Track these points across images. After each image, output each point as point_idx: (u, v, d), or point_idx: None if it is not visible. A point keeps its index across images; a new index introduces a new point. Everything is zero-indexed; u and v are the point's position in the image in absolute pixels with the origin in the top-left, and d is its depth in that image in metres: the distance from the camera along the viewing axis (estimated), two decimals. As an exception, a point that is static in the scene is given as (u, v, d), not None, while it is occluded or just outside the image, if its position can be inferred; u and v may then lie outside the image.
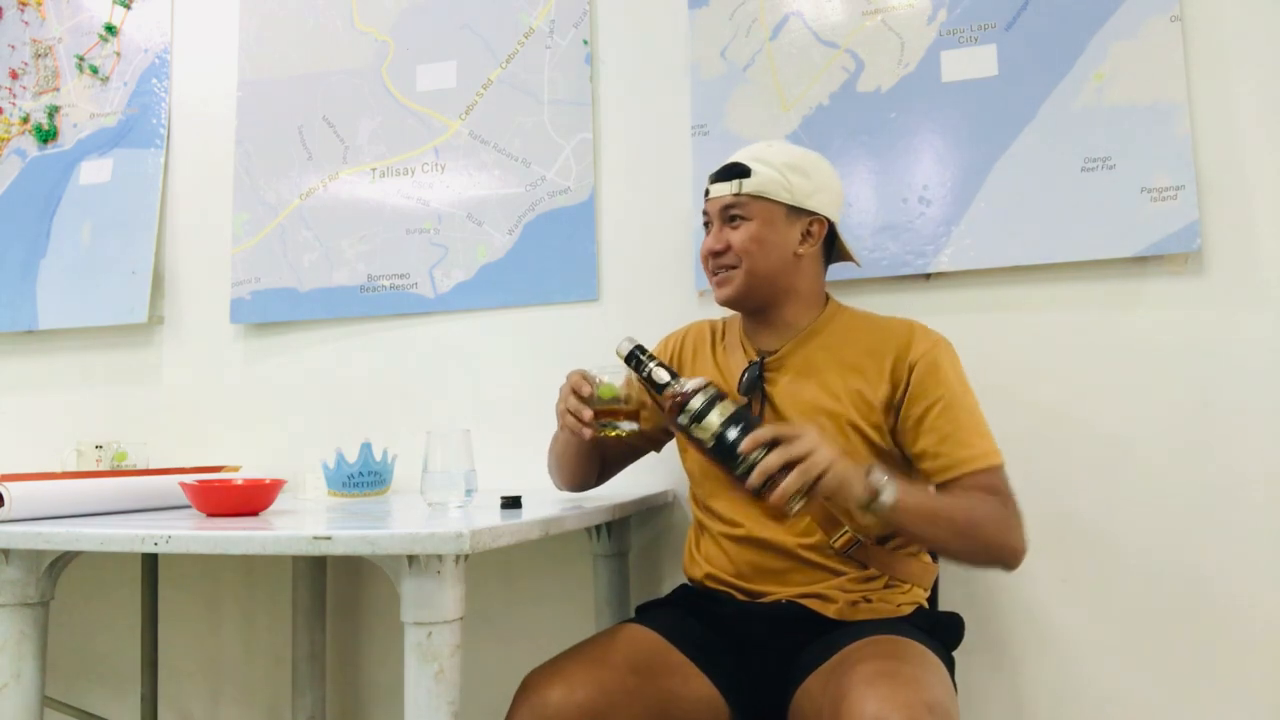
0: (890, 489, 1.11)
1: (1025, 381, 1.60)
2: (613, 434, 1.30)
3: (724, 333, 1.47)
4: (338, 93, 2.05)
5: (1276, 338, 1.52)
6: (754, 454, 1.09)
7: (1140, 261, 1.58)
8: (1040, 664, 1.60)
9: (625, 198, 1.88)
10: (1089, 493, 1.58)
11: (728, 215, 1.35)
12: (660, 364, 1.22)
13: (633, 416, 1.31)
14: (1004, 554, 1.23)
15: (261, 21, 2.13)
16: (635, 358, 1.24)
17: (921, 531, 1.20)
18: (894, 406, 1.29)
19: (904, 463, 1.31)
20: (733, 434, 1.12)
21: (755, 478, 1.09)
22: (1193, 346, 1.56)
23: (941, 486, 1.27)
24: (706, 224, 1.39)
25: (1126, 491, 1.57)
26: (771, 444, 1.09)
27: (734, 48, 1.81)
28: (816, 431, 1.11)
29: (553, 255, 1.89)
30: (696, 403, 1.14)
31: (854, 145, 1.71)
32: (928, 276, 1.69)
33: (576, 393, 1.29)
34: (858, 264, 1.46)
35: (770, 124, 1.77)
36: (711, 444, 1.14)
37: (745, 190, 1.33)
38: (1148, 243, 1.56)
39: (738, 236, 1.33)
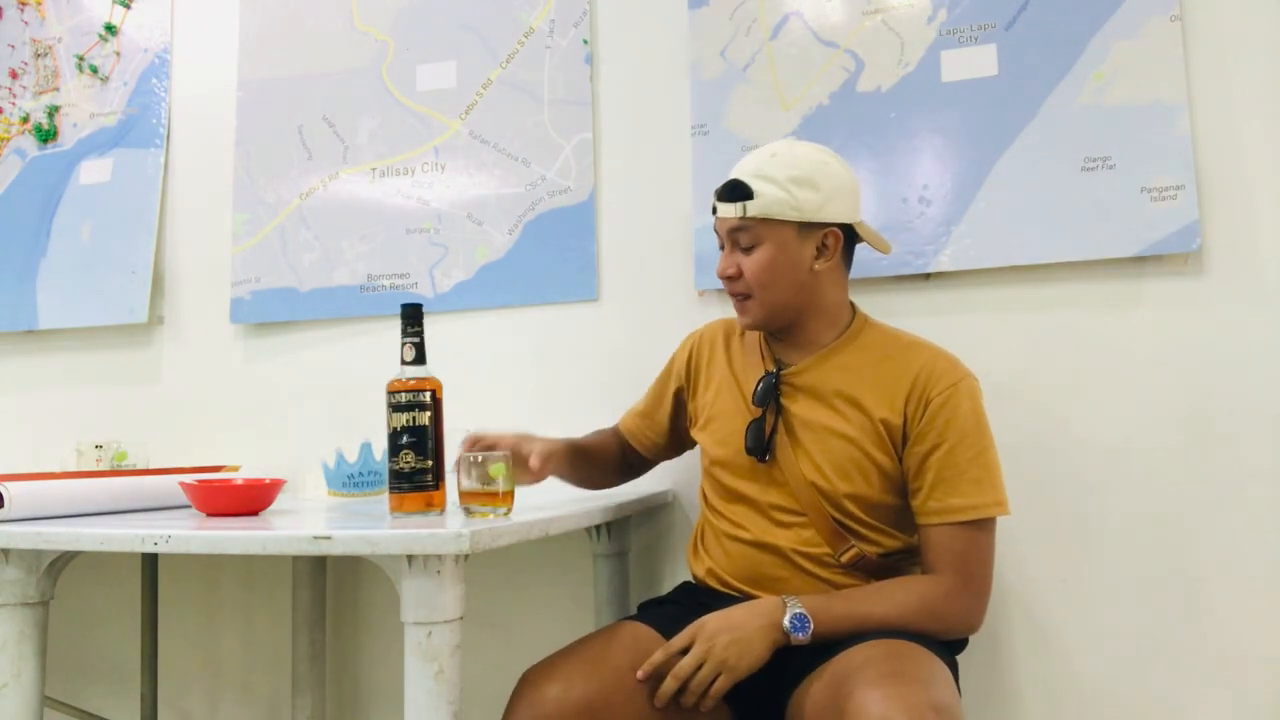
0: (803, 630, 1.16)
1: (1025, 381, 1.60)
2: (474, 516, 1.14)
3: (742, 332, 1.44)
4: (338, 93, 2.05)
5: (1276, 338, 1.52)
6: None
7: (1140, 261, 1.58)
8: (1040, 665, 1.59)
9: (625, 198, 1.87)
10: (1088, 493, 1.58)
11: (735, 239, 1.29)
12: None
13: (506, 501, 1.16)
14: (946, 635, 1.23)
15: (261, 21, 2.13)
16: None
17: (853, 636, 1.18)
18: (905, 438, 1.27)
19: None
20: None
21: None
22: (1193, 346, 1.55)
23: (922, 529, 1.27)
24: (720, 240, 1.34)
25: (1126, 491, 1.57)
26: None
27: (734, 48, 1.81)
28: (700, 627, 1.17)
29: (553, 255, 1.89)
30: None
31: (854, 145, 1.71)
32: (928, 276, 1.69)
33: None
34: (887, 250, 1.39)
35: (770, 124, 1.77)
36: None
37: (750, 214, 1.26)
38: (1148, 243, 1.56)
39: (749, 264, 1.28)
